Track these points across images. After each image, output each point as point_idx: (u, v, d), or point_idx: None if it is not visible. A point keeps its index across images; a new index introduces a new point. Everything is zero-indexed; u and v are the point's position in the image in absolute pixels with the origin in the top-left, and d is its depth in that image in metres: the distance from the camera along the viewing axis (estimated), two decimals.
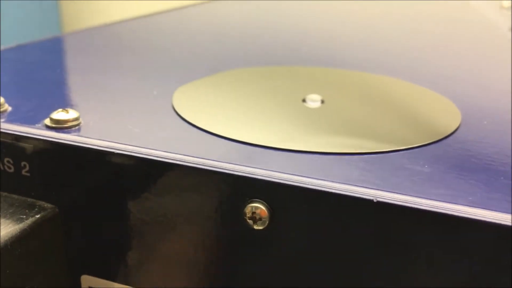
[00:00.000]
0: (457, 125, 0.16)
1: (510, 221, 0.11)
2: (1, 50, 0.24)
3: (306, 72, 0.21)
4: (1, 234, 0.14)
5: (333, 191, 0.12)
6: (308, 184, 0.12)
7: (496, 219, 0.11)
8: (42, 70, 0.21)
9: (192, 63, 0.23)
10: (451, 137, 0.15)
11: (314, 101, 0.17)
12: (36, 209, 0.15)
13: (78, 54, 0.24)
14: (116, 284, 0.15)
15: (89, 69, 0.21)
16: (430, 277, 0.12)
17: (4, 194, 0.15)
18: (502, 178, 0.13)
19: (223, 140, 0.14)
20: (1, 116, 0.15)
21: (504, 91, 0.20)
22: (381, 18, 0.36)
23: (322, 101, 0.17)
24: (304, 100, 0.18)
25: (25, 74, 0.20)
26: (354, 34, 0.31)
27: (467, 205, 0.11)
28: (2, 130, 0.15)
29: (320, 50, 0.26)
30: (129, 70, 0.21)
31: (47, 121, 0.15)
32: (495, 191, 0.12)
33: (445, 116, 0.17)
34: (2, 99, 0.16)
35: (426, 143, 0.15)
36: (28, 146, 0.14)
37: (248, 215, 0.12)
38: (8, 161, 0.15)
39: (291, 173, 0.12)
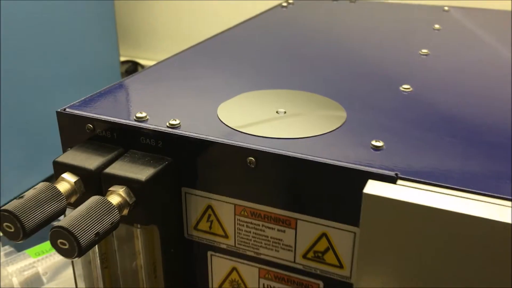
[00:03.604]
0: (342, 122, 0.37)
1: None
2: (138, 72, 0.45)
3: (279, 93, 0.42)
4: (153, 171, 0.34)
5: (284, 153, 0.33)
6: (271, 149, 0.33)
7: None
8: (146, 90, 0.42)
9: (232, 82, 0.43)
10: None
11: (280, 112, 0.38)
12: (163, 159, 0.36)
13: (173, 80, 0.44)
14: (197, 191, 0.36)
15: (180, 95, 0.42)
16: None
17: (142, 152, 0.36)
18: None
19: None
20: (147, 122, 0.36)
21: None
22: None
23: (285, 112, 0.38)
24: (277, 112, 0.38)
25: (145, 95, 0.41)
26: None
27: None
28: (151, 127, 0.36)
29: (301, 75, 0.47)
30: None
31: (168, 124, 0.36)
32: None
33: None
34: (145, 113, 0.37)
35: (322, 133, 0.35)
36: (156, 133, 0.35)
37: (250, 161, 0.33)
38: (157, 142, 0.36)
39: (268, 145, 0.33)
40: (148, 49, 1.47)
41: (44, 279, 0.75)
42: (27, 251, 0.79)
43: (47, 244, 0.80)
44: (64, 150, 0.39)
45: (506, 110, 0.41)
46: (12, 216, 0.30)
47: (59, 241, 0.29)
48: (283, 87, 0.43)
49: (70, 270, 0.80)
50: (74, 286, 0.77)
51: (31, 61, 1.06)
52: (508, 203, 0.28)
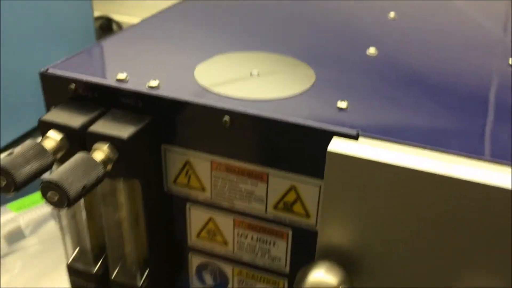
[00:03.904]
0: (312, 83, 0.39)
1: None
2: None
3: (252, 55, 0.44)
4: (134, 129, 0.37)
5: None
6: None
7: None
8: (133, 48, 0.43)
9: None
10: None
11: (253, 74, 0.40)
12: (144, 118, 0.38)
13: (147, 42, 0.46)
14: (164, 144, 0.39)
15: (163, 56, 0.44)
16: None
17: (123, 111, 0.39)
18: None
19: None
20: (127, 83, 0.38)
21: None
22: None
23: (258, 74, 0.41)
24: (250, 74, 0.41)
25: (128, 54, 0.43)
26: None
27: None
28: (131, 89, 0.38)
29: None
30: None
31: (148, 85, 0.38)
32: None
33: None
34: (126, 74, 0.39)
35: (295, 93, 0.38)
36: (136, 94, 0.38)
37: (225, 121, 0.36)
38: (138, 102, 0.38)
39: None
40: (122, 3, 1.45)
41: (26, 233, 0.78)
42: (8, 206, 0.81)
43: (28, 199, 0.82)
44: (48, 109, 0.41)
45: (471, 72, 0.44)
46: (3, 171, 0.32)
47: (49, 193, 0.32)
48: (256, 49, 0.45)
49: (50, 223, 0.83)
50: (56, 238, 0.80)
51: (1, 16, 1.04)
52: (465, 160, 0.31)
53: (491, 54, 0.47)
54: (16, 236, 0.76)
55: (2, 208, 0.80)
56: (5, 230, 0.75)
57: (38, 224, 0.80)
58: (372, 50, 0.46)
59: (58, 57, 0.42)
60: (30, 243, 0.78)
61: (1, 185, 0.33)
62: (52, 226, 0.82)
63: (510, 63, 0.45)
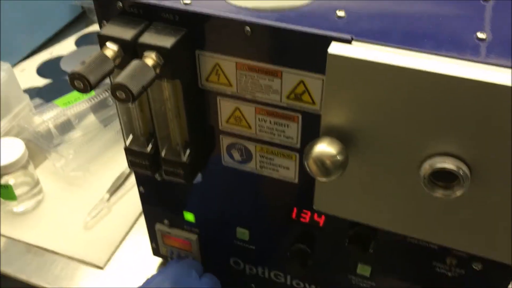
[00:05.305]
0: None
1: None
2: None
3: None
4: (175, 39, 0.46)
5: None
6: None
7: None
8: None
9: None
10: None
11: None
12: (181, 30, 0.47)
13: None
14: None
15: None
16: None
17: (163, 24, 0.48)
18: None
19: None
20: (166, 0, 0.47)
21: None
22: None
23: None
24: None
25: None
26: None
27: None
28: (169, 5, 0.46)
29: None
30: None
31: (183, 2, 0.46)
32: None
33: None
34: None
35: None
36: (173, 10, 0.46)
37: (246, 30, 0.45)
38: (175, 16, 0.47)
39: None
40: None
41: (74, 124, 0.90)
42: (55, 102, 0.93)
43: (71, 95, 0.93)
44: (100, 22, 0.50)
45: None
46: (81, 76, 0.42)
47: (117, 92, 0.42)
48: None
49: (92, 116, 0.94)
50: (98, 129, 0.92)
51: None
52: (432, 56, 0.40)
53: None
54: (66, 127, 0.89)
55: (50, 104, 0.92)
56: (57, 122, 0.88)
57: (81, 117, 0.92)
58: None
59: None
60: (78, 133, 0.91)
61: (80, 87, 0.43)
62: (93, 118, 0.94)
63: None
